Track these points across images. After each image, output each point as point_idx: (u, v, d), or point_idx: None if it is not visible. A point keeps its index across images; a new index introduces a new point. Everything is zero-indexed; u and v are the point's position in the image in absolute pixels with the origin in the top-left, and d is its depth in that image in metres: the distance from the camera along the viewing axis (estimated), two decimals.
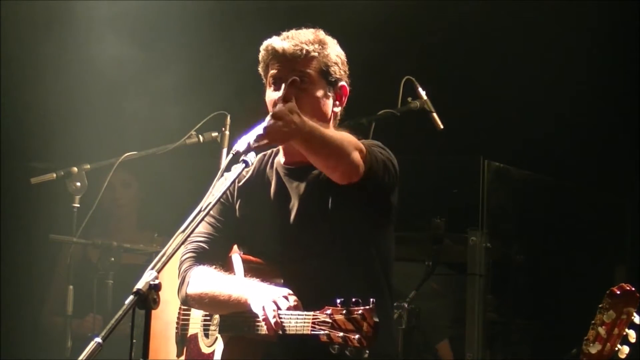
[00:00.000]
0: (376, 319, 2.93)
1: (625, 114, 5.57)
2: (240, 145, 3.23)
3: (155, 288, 2.84)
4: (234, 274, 3.45)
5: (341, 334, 2.96)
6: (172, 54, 5.88)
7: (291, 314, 3.16)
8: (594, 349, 3.06)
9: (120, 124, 5.81)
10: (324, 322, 3.00)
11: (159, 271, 2.88)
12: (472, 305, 4.88)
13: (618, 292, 3.07)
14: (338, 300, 2.99)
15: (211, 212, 3.53)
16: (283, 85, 3.39)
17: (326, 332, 2.99)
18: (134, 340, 2.99)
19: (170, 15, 5.79)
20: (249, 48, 5.33)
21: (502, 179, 5.07)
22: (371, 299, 2.96)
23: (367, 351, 2.93)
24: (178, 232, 3.03)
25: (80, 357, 2.75)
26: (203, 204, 3.12)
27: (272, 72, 3.46)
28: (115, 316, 2.79)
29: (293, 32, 3.49)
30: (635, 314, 3.07)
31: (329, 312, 3.00)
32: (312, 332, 3.04)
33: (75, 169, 5.09)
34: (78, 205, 5.09)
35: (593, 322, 3.09)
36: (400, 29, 5.71)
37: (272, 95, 3.45)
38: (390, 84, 4.92)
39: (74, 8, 5.77)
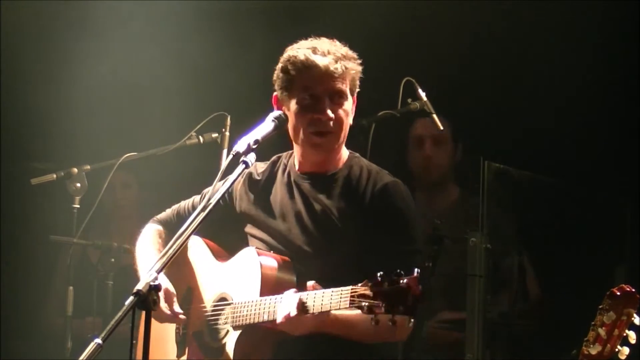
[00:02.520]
0: (421, 287, 2.95)
1: (626, 114, 5.57)
2: (240, 146, 3.25)
3: (155, 289, 2.84)
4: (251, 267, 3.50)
5: (384, 305, 2.96)
6: (172, 54, 5.88)
7: (324, 292, 3.20)
8: (594, 350, 3.06)
9: (120, 125, 5.81)
10: (363, 295, 3.02)
11: (159, 272, 2.89)
12: (472, 306, 4.88)
13: (618, 293, 3.07)
14: (379, 274, 3.01)
15: (194, 203, 3.77)
16: (325, 101, 3.44)
17: (366, 304, 3.00)
18: (134, 341, 3.00)
19: (171, 17, 5.78)
20: (250, 49, 5.36)
21: (502, 179, 5.06)
22: (415, 269, 2.97)
23: (412, 320, 2.95)
24: (178, 233, 3.04)
25: (81, 358, 2.75)
26: (203, 204, 3.14)
27: (311, 87, 3.47)
28: (116, 317, 2.79)
29: (325, 45, 3.50)
30: (635, 315, 3.07)
31: (370, 284, 3.02)
32: (352, 306, 3.06)
33: (76, 169, 5.09)
34: (78, 206, 5.09)
35: (593, 323, 3.09)
36: (401, 30, 5.70)
37: (304, 108, 3.48)
38: (390, 85, 4.92)
39: (74, 9, 5.77)
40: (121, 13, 5.76)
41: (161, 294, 3.48)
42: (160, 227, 3.84)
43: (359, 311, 3.21)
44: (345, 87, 3.48)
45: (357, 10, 5.62)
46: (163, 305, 3.52)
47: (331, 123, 3.47)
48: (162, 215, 3.89)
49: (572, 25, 5.49)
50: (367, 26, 5.51)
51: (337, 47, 3.50)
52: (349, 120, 3.54)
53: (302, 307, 3.21)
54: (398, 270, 2.98)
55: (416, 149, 5.44)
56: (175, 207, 3.87)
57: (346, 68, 3.47)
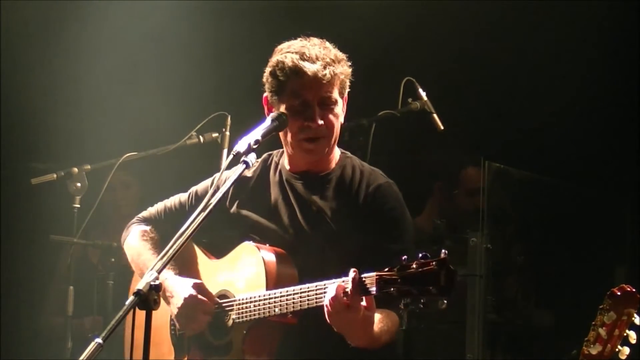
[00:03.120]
0: (452, 267, 2.94)
1: (625, 114, 5.57)
2: (241, 146, 3.25)
3: (155, 289, 2.84)
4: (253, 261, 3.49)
5: (415, 288, 2.95)
6: (173, 54, 5.88)
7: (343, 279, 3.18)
8: (594, 350, 3.06)
9: (120, 125, 5.81)
10: (390, 280, 3.01)
11: (159, 272, 2.89)
12: (472, 306, 4.88)
13: (618, 293, 3.07)
14: (403, 258, 3.01)
15: (181, 201, 3.74)
16: (314, 108, 3.43)
17: (395, 289, 2.99)
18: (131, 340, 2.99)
19: (171, 16, 5.78)
20: (250, 48, 5.35)
21: (503, 179, 5.07)
22: (443, 250, 2.97)
23: (446, 301, 2.94)
24: (179, 233, 3.04)
25: (81, 358, 2.75)
26: (204, 203, 3.14)
27: (301, 94, 3.44)
28: (116, 317, 2.79)
29: (314, 49, 3.46)
30: (635, 315, 3.07)
31: (396, 269, 3.01)
32: (382, 292, 3.04)
33: (76, 169, 5.09)
34: (78, 206, 5.08)
35: (593, 323, 3.09)
36: (401, 30, 5.71)
37: (294, 112, 3.45)
38: (390, 85, 4.92)
39: (74, 9, 5.77)
40: (121, 13, 5.76)
41: (191, 291, 3.53)
42: (147, 227, 3.82)
43: (378, 319, 3.26)
44: (335, 93, 3.46)
45: (358, 10, 5.62)
46: (203, 298, 3.53)
47: (322, 129, 3.46)
48: (146, 214, 3.85)
49: (573, 25, 5.49)
50: (367, 26, 5.51)
51: (325, 51, 3.47)
52: (339, 123, 3.52)
53: (358, 285, 3.13)
54: (423, 253, 2.98)
55: (469, 197, 5.42)
56: (159, 205, 3.83)
57: (335, 73, 3.44)
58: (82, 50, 5.78)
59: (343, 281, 3.16)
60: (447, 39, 5.73)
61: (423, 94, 4.88)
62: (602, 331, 3.05)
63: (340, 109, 3.51)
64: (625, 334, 3.06)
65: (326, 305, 3.18)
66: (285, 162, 3.61)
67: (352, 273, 3.13)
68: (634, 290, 3.08)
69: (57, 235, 5.18)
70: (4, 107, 5.84)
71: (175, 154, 5.06)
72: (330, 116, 3.46)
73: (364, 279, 3.11)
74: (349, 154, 3.64)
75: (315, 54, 3.44)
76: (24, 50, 5.84)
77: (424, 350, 5.17)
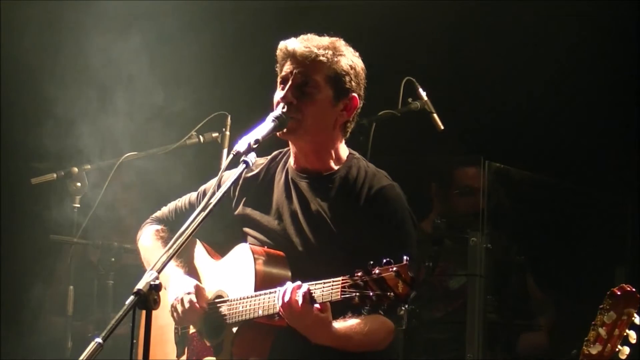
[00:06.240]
0: (411, 274, 2.95)
1: (625, 114, 5.57)
2: (241, 145, 3.25)
3: (155, 288, 2.84)
4: (243, 261, 3.49)
5: (374, 294, 2.97)
6: (173, 54, 5.88)
7: (316, 283, 3.19)
8: (594, 350, 3.06)
9: (120, 125, 5.80)
10: (354, 285, 3.03)
11: (159, 271, 2.89)
12: (472, 306, 4.88)
13: (619, 293, 3.07)
14: (369, 262, 3.01)
15: (191, 200, 3.75)
16: (288, 85, 3.41)
17: (358, 294, 3.01)
18: (134, 341, 3.00)
19: (171, 16, 5.78)
20: (250, 49, 5.35)
21: (502, 179, 5.07)
22: (404, 256, 2.98)
23: (404, 307, 2.96)
24: (179, 232, 3.04)
25: (81, 358, 2.75)
26: (204, 203, 3.14)
27: (282, 70, 3.49)
28: (116, 317, 2.79)
29: (311, 35, 3.50)
30: (635, 314, 3.07)
31: (359, 274, 3.02)
32: (343, 297, 3.06)
33: (76, 169, 5.10)
34: (78, 206, 5.09)
35: (593, 322, 3.09)
36: (401, 29, 5.70)
37: (276, 95, 3.47)
38: (390, 85, 4.92)
39: (74, 9, 5.76)
40: (122, 13, 5.76)
41: (190, 295, 3.52)
42: (159, 227, 3.83)
43: (354, 321, 3.27)
44: (317, 76, 3.42)
45: (357, 10, 5.62)
46: (192, 299, 3.52)
47: (293, 109, 3.42)
48: (159, 213, 3.88)
49: (573, 24, 5.49)
50: (367, 26, 5.51)
51: (322, 39, 3.47)
52: (324, 113, 3.46)
53: (302, 294, 3.18)
54: (387, 259, 2.98)
55: (464, 197, 5.41)
56: (171, 205, 3.85)
57: (317, 55, 3.41)
58: (83, 50, 5.78)
59: (299, 287, 3.20)
60: (447, 38, 5.73)
61: (423, 93, 4.87)
62: (602, 331, 3.05)
63: (324, 96, 3.44)
64: (625, 334, 3.06)
65: (279, 309, 3.22)
66: (291, 160, 3.60)
67: (304, 286, 3.17)
68: (634, 290, 3.08)
69: (57, 235, 5.18)
70: (4, 107, 5.84)
71: (176, 154, 5.06)
72: (306, 99, 3.42)
73: (327, 285, 3.14)
74: (357, 154, 3.61)
75: (308, 38, 3.47)
76: (24, 50, 5.84)
77: (424, 350, 5.16)
